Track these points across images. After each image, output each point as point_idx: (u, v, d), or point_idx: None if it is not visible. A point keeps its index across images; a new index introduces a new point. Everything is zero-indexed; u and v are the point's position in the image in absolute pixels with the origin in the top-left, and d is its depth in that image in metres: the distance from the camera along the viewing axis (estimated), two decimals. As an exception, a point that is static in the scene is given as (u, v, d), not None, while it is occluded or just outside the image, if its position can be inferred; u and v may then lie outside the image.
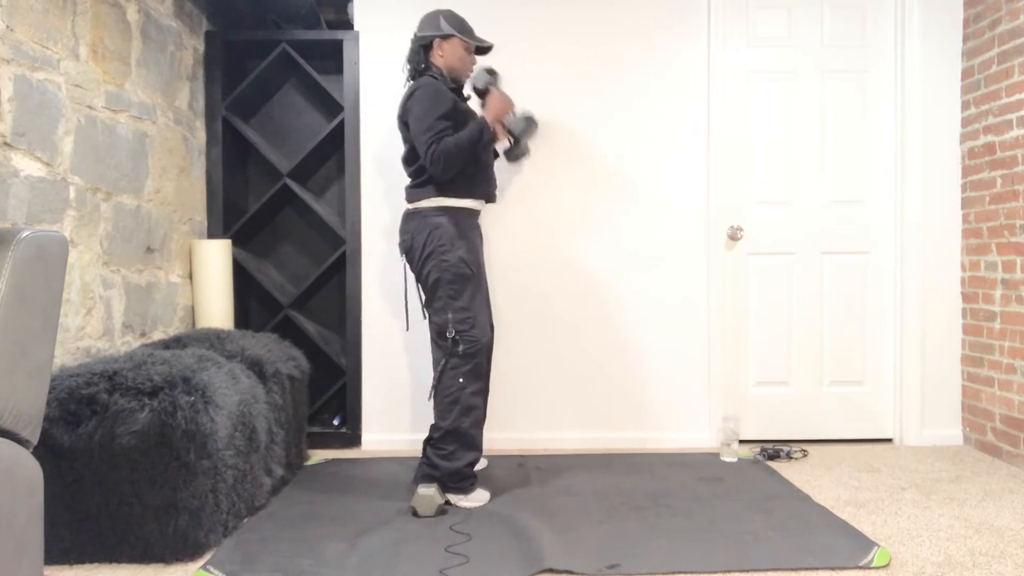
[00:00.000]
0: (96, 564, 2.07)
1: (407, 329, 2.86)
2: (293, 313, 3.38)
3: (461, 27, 2.67)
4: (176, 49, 3.10)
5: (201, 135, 3.34)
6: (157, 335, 2.94)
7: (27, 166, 2.16)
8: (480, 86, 2.77)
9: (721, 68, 3.37)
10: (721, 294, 3.38)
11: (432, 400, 2.59)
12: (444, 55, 2.64)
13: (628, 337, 3.38)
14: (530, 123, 2.81)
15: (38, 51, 2.20)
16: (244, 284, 3.52)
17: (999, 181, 3.13)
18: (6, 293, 1.35)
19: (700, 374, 3.39)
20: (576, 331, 3.38)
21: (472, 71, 2.76)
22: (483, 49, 2.74)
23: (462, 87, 2.76)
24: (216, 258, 3.20)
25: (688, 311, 3.39)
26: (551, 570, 1.99)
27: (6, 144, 2.07)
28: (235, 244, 3.40)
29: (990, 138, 3.18)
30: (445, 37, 2.63)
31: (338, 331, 3.60)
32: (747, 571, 1.99)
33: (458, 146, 2.49)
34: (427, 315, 2.66)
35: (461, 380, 2.54)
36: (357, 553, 2.12)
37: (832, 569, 2.00)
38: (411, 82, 2.67)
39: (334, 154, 3.59)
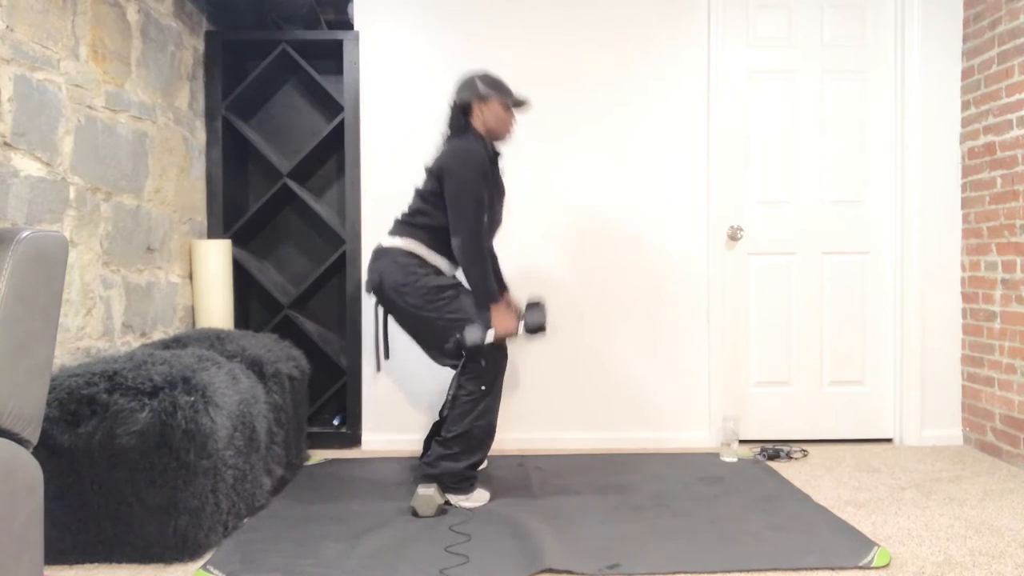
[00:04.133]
0: (96, 564, 2.07)
1: (378, 369, 2.83)
2: (293, 313, 3.38)
3: (499, 87, 2.63)
4: (176, 49, 3.10)
5: (201, 135, 3.34)
6: (157, 335, 2.94)
7: (27, 166, 2.16)
8: (527, 307, 2.63)
9: (721, 68, 3.37)
10: (721, 294, 3.38)
11: (448, 406, 2.58)
12: (484, 117, 2.61)
13: (628, 337, 3.38)
14: (540, 325, 2.60)
15: (38, 51, 2.20)
16: (244, 284, 3.52)
17: (999, 181, 3.13)
18: (6, 293, 1.35)
19: (700, 374, 3.39)
20: (576, 331, 3.38)
21: (511, 130, 2.68)
22: (519, 103, 2.67)
23: (498, 154, 2.70)
24: (216, 258, 3.20)
25: (688, 311, 3.39)
26: (551, 570, 1.99)
27: (6, 144, 2.07)
28: (235, 244, 3.40)
29: (990, 138, 3.18)
30: (483, 99, 2.60)
31: (338, 331, 3.60)
32: (747, 571, 1.99)
33: (476, 269, 2.50)
34: (434, 352, 2.66)
35: (483, 387, 2.54)
36: (357, 553, 2.12)
37: (832, 569, 2.00)
38: (451, 139, 2.64)
39: (334, 154, 3.59)
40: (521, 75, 3.35)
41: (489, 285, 2.53)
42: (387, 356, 2.81)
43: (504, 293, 2.95)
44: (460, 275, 2.75)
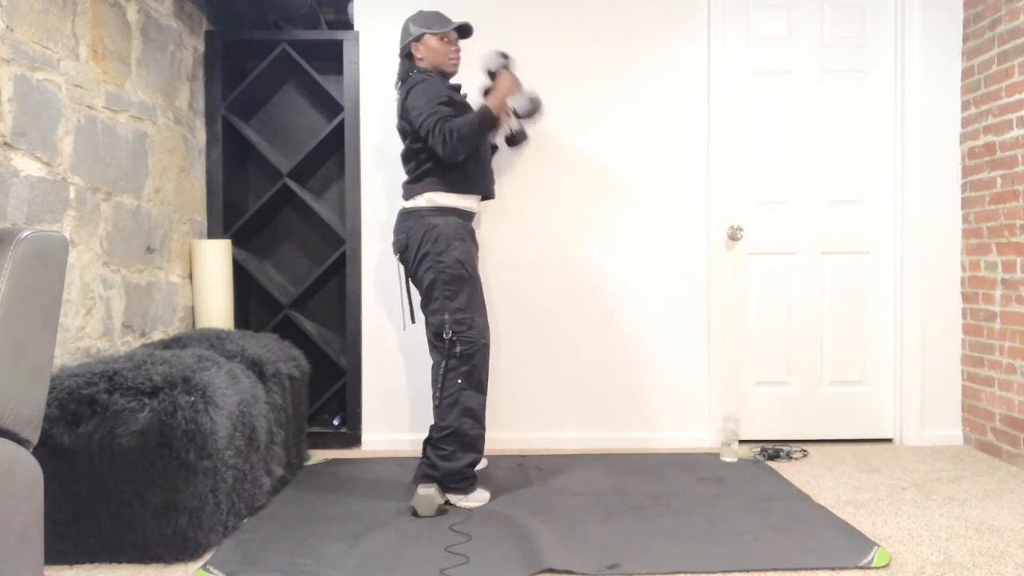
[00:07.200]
0: (96, 564, 2.07)
1: (404, 329, 2.85)
2: (293, 313, 3.38)
3: (427, 22, 2.67)
4: (176, 49, 3.10)
5: (201, 135, 3.34)
6: (157, 335, 2.94)
7: (27, 166, 2.16)
8: (492, 68, 2.75)
9: (721, 68, 3.37)
10: (721, 294, 3.38)
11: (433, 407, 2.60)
12: (423, 55, 2.66)
13: (628, 337, 3.38)
14: (535, 104, 2.72)
15: (38, 51, 2.20)
16: (244, 284, 3.52)
17: (999, 181, 3.13)
18: (6, 293, 1.35)
19: (700, 374, 3.39)
20: (576, 331, 3.38)
21: (456, 59, 2.74)
22: (465, 31, 2.72)
23: (454, 82, 2.75)
24: (216, 258, 3.20)
25: (688, 311, 3.39)
26: (551, 570, 1.99)
27: (6, 144, 2.07)
28: (235, 244, 3.40)
29: (990, 138, 3.18)
30: (417, 39, 2.66)
31: (338, 331, 3.60)
32: (747, 571, 1.99)
33: (462, 127, 2.49)
34: (424, 316, 2.66)
35: (460, 381, 2.55)
36: (357, 553, 2.12)
37: (832, 569, 2.00)
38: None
39: (334, 154, 3.59)
40: (521, 77, 3.34)
41: (475, 115, 2.53)
42: (413, 320, 2.83)
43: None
44: (480, 206, 2.77)
